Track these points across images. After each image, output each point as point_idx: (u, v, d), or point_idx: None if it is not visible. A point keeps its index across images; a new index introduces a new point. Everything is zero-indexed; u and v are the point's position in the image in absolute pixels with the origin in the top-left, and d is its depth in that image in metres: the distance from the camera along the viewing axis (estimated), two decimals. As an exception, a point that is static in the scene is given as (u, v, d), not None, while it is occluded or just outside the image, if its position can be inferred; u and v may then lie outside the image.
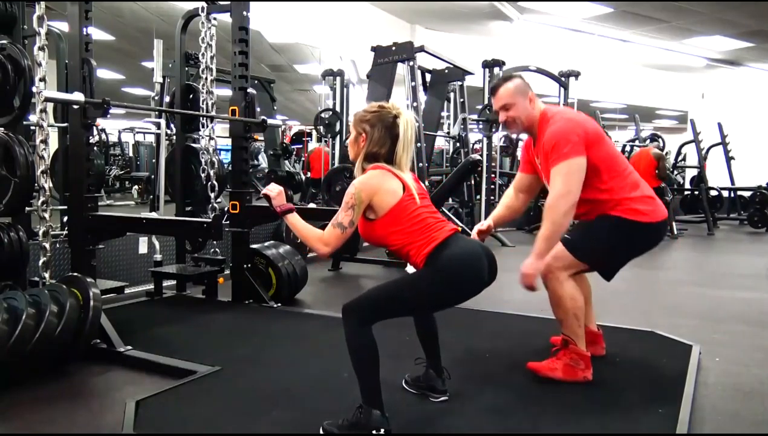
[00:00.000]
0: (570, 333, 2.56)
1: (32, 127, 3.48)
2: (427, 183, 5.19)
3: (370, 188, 2.11)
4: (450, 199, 7.42)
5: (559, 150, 2.44)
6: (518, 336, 2.73)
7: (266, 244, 4.37)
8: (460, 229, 2.22)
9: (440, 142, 9.84)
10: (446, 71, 6.50)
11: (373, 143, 2.17)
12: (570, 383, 2.52)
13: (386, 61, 5.37)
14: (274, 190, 2.20)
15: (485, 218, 4.42)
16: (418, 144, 5.30)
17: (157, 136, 5.07)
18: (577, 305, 2.56)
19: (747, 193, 10.72)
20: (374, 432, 1.99)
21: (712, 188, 10.33)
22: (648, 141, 10.23)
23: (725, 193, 10.81)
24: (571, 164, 2.42)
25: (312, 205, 7.47)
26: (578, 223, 2.67)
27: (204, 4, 4.12)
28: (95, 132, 4.07)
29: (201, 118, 4.24)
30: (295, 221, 2.17)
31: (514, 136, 8.05)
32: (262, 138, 11.27)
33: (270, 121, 4.46)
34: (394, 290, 2.14)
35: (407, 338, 2.83)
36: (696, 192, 10.41)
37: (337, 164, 7.35)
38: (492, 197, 7.91)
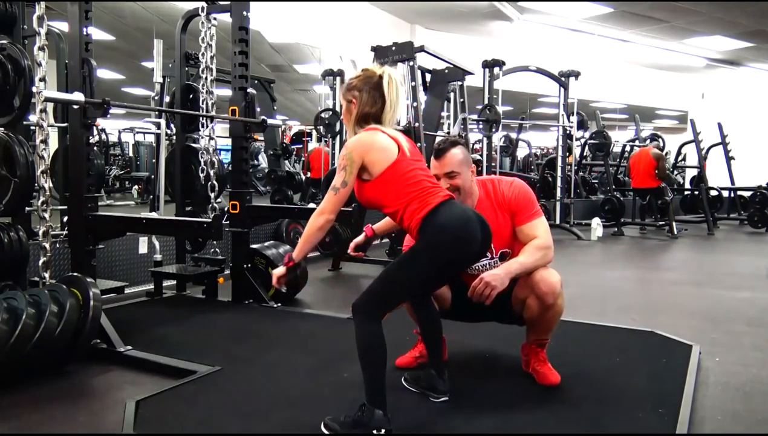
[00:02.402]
0: (550, 336, 2.59)
1: (32, 127, 3.48)
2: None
3: (361, 147, 2.14)
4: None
5: (534, 206, 2.57)
6: (518, 336, 2.73)
7: (266, 244, 4.37)
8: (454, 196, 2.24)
9: (440, 142, 9.85)
10: (446, 71, 6.47)
11: (363, 105, 2.22)
12: (570, 383, 2.52)
13: (386, 61, 5.35)
14: (276, 272, 2.25)
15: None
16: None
17: (157, 136, 5.07)
18: None
19: (747, 193, 10.72)
20: (375, 432, 1.99)
21: (712, 188, 10.33)
22: (648, 141, 10.24)
23: (725, 193, 10.81)
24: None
25: (312, 206, 7.47)
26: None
27: (204, 4, 4.12)
28: (95, 132, 4.07)
29: (201, 118, 4.24)
30: (299, 247, 2.21)
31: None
32: (262, 138, 11.27)
33: (270, 121, 4.45)
34: (393, 272, 2.13)
35: (407, 338, 2.83)
36: (696, 192, 10.42)
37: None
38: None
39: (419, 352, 2.71)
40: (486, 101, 7.59)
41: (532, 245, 2.47)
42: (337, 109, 7.86)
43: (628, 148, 11.98)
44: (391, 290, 2.13)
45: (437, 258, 2.09)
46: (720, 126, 11.19)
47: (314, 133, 9.19)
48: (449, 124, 7.51)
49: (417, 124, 5.30)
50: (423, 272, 2.12)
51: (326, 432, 2.05)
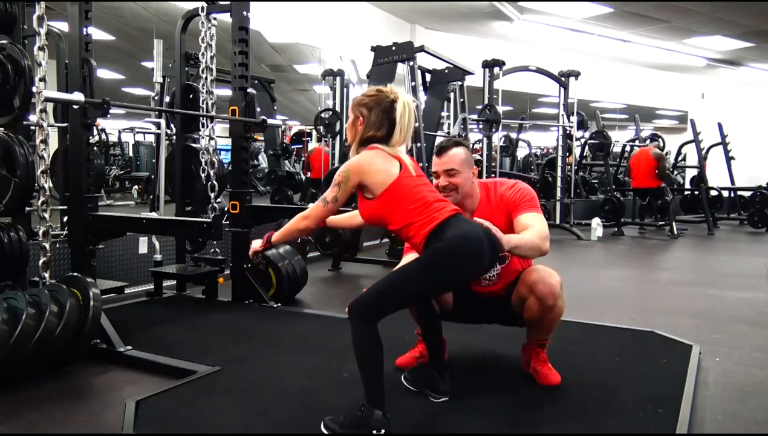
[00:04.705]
0: (550, 336, 2.59)
1: (32, 127, 3.48)
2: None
3: (358, 168, 2.15)
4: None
5: (534, 202, 2.53)
6: (518, 336, 2.73)
7: (266, 244, 4.36)
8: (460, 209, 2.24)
9: (440, 143, 9.86)
10: (446, 71, 6.48)
11: (369, 126, 2.20)
12: (570, 383, 2.52)
13: (386, 61, 5.37)
14: (254, 244, 2.49)
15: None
16: (416, 124, 5.31)
17: (157, 136, 5.08)
18: None
19: (747, 193, 10.73)
20: (375, 432, 1.99)
21: (712, 188, 10.34)
22: (648, 141, 10.24)
23: (725, 193, 10.82)
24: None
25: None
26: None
27: (204, 4, 4.12)
28: (95, 132, 4.07)
29: (201, 118, 4.24)
30: (279, 233, 2.35)
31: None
32: (262, 138, 11.28)
33: (270, 121, 4.45)
34: (396, 279, 2.12)
35: (407, 338, 2.83)
36: (696, 192, 10.42)
37: (337, 164, 7.35)
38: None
39: (419, 352, 2.71)
40: (486, 101, 7.59)
41: (532, 228, 2.39)
42: (337, 109, 7.87)
43: (628, 148, 11.98)
44: (390, 297, 2.10)
45: (443, 275, 2.09)
46: (720, 126, 11.20)
47: (314, 133, 9.20)
48: (449, 124, 7.52)
49: (417, 124, 5.30)
50: (426, 285, 2.12)
51: (326, 432, 2.05)
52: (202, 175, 4.24)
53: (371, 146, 2.20)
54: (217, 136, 4.32)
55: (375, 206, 2.18)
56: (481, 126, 7.57)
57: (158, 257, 4.44)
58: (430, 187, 2.23)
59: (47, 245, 3.01)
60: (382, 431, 1.99)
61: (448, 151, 2.52)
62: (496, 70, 7.71)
